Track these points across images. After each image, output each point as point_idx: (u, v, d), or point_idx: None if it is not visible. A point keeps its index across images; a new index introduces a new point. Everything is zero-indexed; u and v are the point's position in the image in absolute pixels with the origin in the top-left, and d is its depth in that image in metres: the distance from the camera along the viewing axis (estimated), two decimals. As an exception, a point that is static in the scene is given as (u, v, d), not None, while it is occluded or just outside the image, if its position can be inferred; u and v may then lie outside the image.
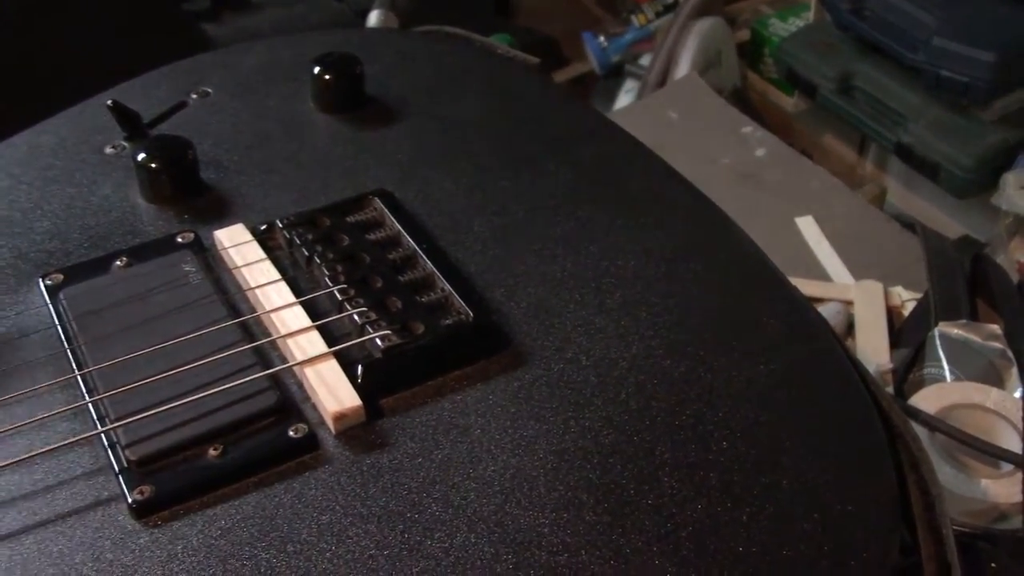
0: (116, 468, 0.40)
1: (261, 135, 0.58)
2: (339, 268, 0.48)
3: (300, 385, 0.44)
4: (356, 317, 0.46)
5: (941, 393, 0.77)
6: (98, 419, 0.42)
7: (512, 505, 0.39)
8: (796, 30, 1.25)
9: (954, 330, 0.82)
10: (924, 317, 0.87)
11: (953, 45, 1.01)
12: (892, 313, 0.90)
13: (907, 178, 1.14)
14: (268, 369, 0.44)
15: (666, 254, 0.51)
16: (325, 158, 0.57)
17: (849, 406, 0.45)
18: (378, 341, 0.44)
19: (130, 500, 0.39)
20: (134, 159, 0.53)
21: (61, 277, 0.49)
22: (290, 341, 0.45)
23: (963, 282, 0.90)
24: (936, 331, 0.82)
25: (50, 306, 0.47)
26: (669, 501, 0.40)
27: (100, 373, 0.43)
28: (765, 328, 0.47)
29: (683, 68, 1.25)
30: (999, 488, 0.71)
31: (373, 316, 0.45)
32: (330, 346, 0.44)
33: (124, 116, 0.57)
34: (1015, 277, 0.91)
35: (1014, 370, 0.79)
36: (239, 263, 0.49)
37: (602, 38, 1.35)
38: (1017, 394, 0.78)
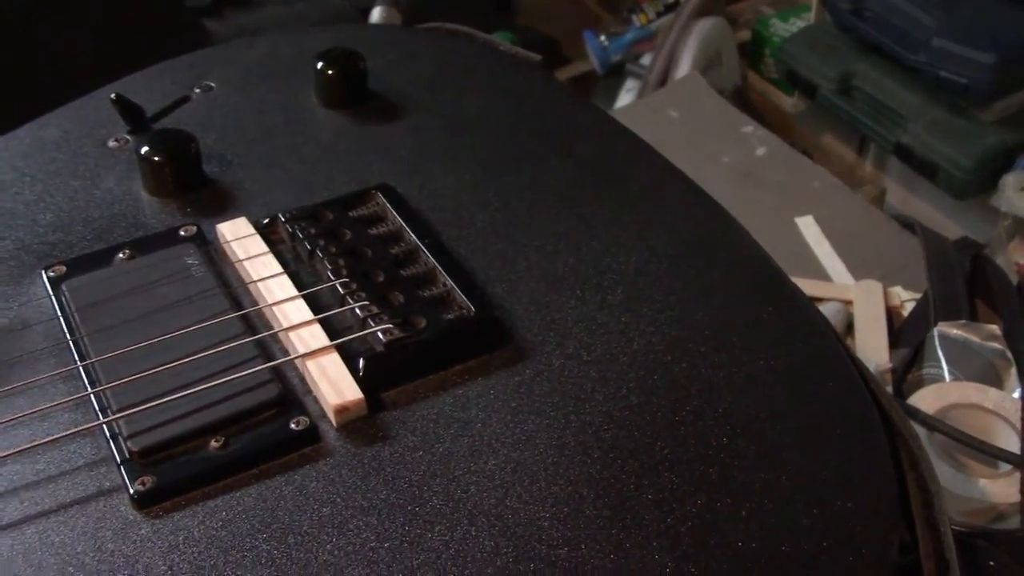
0: (118, 459, 0.40)
1: (264, 129, 0.58)
2: (341, 262, 0.48)
3: (302, 378, 0.44)
4: (358, 311, 0.46)
5: (940, 393, 0.78)
6: (100, 410, 0.42)
7: (513, 499, 0.40)
8: (797, 30, 1.25)
9: (953, 330, 0.82)
10: (923, 317, 0.87)
11: (953, 46, 1.01)
12: (891, 313, 0.90)
13: (906, 179, 1.14)
14: (270, 362, 0.44)
15: (668, 251, 0.51)
16: (328, 153, 0.57)
17: (849, 404, 0.45)
18: (380, 335, 0.44)
19: (132, 491, 0.39)
20: (137, 152, 0.54)
21: (64, 269, 0.49)
22: (292, 334, 0.45)
23: (962, 282, 0.90)
24: (935, 331, 0.82)
25: (52, 298, 0.47)
26: (669, 496, 0.40)
27: (102, 364, 0.43)
28: (766, 325, 0.48)
29: (684, 68, 1.25)
30: (997, 488, 0.71)
31: (375, 310, 0.46)
32: (332, 339, 0.44)
33: (127, 110, 0.57)
34: (1014, 279, 0.91)
35: (1013, 370, 0.80)
36: (241, 256, 0.49)
37: (603, 37, 1.36)
38: (1016, 394, 0.78)
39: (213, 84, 0.62)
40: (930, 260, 0.93)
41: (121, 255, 0.50)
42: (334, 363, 0.43)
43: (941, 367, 0.80)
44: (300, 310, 0.46)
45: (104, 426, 0.42)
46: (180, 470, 0.40)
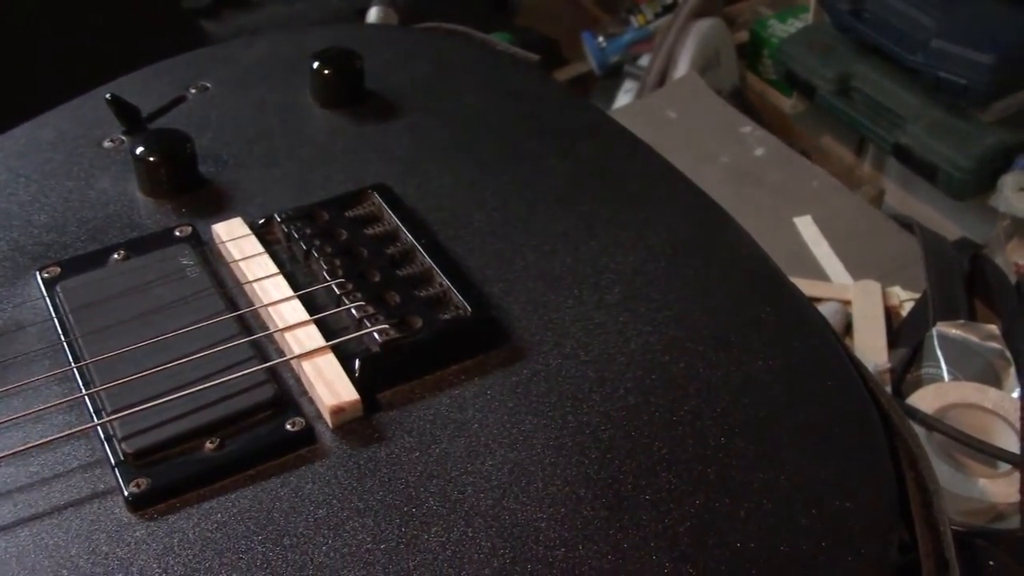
0: (112, 461, 0.40)
1: (260, 129, 0.58)
2: (337, 262, 0.48)
3: (298, 379, 0.44)
4: (354, 311, 0.45)
5: (939, 393, 0.77)
6: (94, 412, 0.42)
7: (510, 499, 0.39)
8: (795, 31, 1.25)
9: (952, 330, 0.82)
10: (922, 317, 0.87)
11: (952, 47, 1.01)
12: (890, 313, 0.90)
13: (905, 179, 1.14)
14: (266, 363, 0.44)
15: (666, 250, 0.51)
16: (324, 152, 0.57)
17: (848, 403, 0.45)
18: (376, 335, 0.44)
19: (126, 493, 0.39)
20: (132, 153, 0.53)
21: (58, 270, 0.49)
22: (288, 335, 0.44)
23: (961, 282, 0.90)
24: (934, 331, 0.82)
25: (47, 299, 0.47)
26: (667, 496, 0.40)
27: (97, 366, 0.43)
28: (764, 325, 0.47)
29: (682, 69, 1.25)
30: (997, 488, 0.71)
31: (371, 310, 0.45)
32: (328, 340, 0.44)
33: (123, 110, 0.57)
34: (1012, 279, 0.91)
35: (1012, 370, 0.79)
36: (237, 257, 0.49)
37: (601, 38, 1.35)
38: (1015, 394, 0.78)
39: (209, 84, 0.62)
40: (929, 260, 0.92)
41: (116, 256, 0.49)
42: (330, 364, 0.43)
43: (940, 367, 0.80)
44: (296, 311, 0.46)
45: (99, 428, 0.41)
46: (175, 472, 0.40)
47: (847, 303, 0.91)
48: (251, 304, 0.47)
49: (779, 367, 0.45)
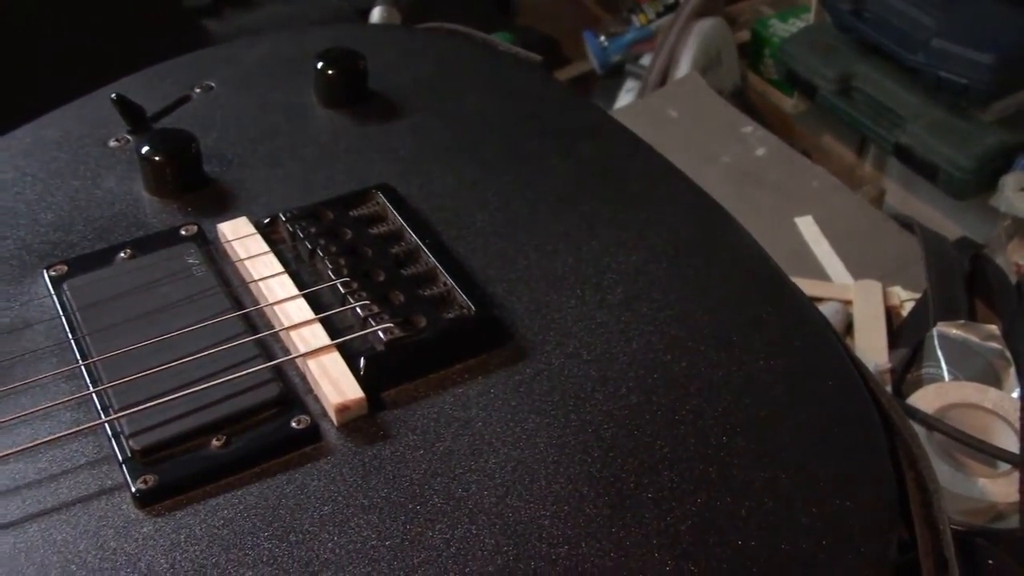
0: (120, 457, 0.41)
1: (264, 129, 0.59)
2: (342, 261, 0.48)
3: (303, 377, 0.44)
4: (359, 310, 0.46)
5: (939, 393, 0.78)
6: (102, 409, 0.42)
7: (513, 497, 0.40)
8: (796, 31, 1.25)
9: (952, 330, 0.82)
10: (923, 317, 0.87)
11: (953, 47, 1.01)
12: (891, 313, 0.90)
13: (906, 179, 1.14)
14: (271, 361, 0.44)
15: (667, 250, 0.51)
16: (328, 152, 0.57)
17: (848, 403, 0.45)
18: (380, 334, 0.45)
19: (133, 489, 0.39)
20: (138, 152, 0.54)
21: (65, 268, 0.49)
22: (293, 333, 0.45)
23: (962, 282, 0.90)
24: (934, 331, 0.83)
25: (54, 297, 0.48)
26: (669, 495, 0.40)
27: (104, 363, 0.44)
28: (765, 325, 0.48)
29: (683, 68, 1.25)
30: (996, 488, 0.71)
31: (375, 309, 0.46)
32: (333, 339, 0.45)
33: (128, 109, 0.57)
34: (1013, 279, 0.91)
35: (1012, 370, 0.80)
36: (242, 256, 0.49)
37: (602, 37, 1.36)
38: (1015, 394, 0.78)
39: (213, 84, 0.62)
40: (929, 260, 0.93)
41: (122, 254, 0.50)
42: (335, 362, 0.44)
43: (940, 367, 0.80)
44: (301, 309, 0.46)
45: (106, 425, 0.42)
46: (182, 469, 0.40)
47: (848, 303, 0.91)
48: (256, 303, 0.47)
49: (780, 367, 0.46)
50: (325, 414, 0.43)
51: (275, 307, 0.46)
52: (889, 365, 0.84)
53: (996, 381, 0.79)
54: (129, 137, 0.57)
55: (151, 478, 0.40)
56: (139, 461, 0.40)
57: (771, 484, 0.41)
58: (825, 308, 0.90)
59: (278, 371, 0.44)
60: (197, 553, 0.38)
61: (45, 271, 0.49)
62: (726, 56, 1.30)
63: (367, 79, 0.61)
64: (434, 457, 0.41)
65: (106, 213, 0.53)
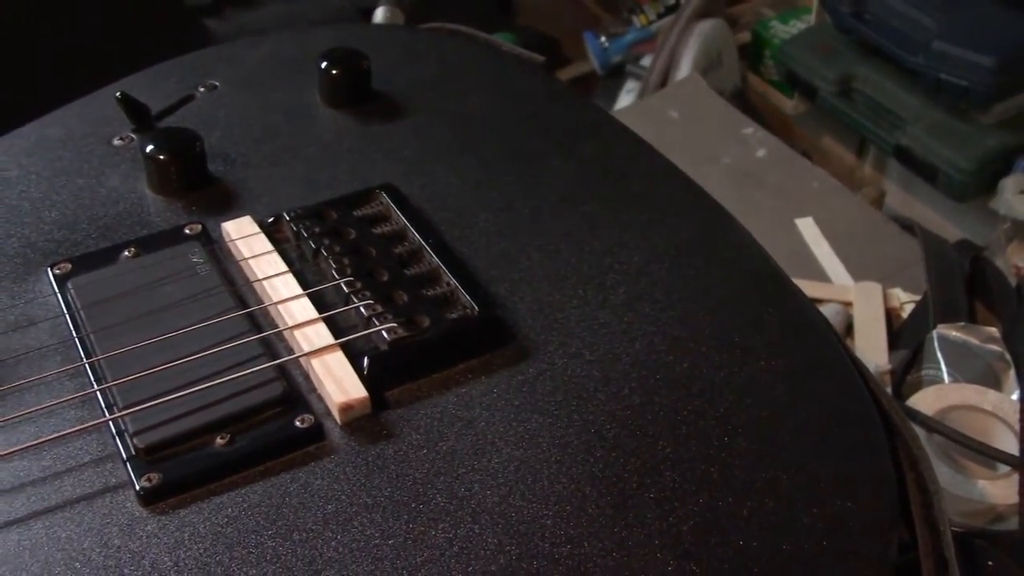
0: (124, 455, 0.41)
1: (268, 129, 0.59)
2: (346, 261, 0.48)
3: (307, 376, 0.44)
4: (362, 310, 0.46)
5: (939, 395, 0.78)
6: (106, 407, 0.42)
7: (516, 497, 0.40)
8: (797, 32, 1.26)
9: (952, 332, 0.82)
10: (923, 319, 0.87)
11: (953, 49, 1.01)
12: (891, 314, 0.90)
13: (906, 181, 1.14)
14: (275, 360, 0.44)
15: (669, 251, 0.51)
16: (332, 152, 0.57)
17: (849, 404, 0.45)
18: (384, 334, 0.45)
19: (138, 487, 0.40)
20: (142, 151, 0.54)
21: (69, 267, 0.49)
22: (297, 332, 0.45)
23: (962, 284, 0.90)
24: (934, 333, 0.83)
25: (58, 295, 0.48)
26: (671, 495, 0.40)
27: (108, 362, 0.44)
28: (766, 325, 0.48)
29: (684, 69, 1.26)
30: (996, 489, 0.71)
31: (379, 309, 0.46)
32: (336, 338, 0.45)
33: (132, 108, 0.57)
34: (1013, 281, 0.92)
35: (1011, 372, 0.80)
36: (246, 255, 0.49)
37: (603, 38, 1.36)
38: (1014, 396, 0.78)
39: (217, 83, 0.62)
40: (929, 262, 0.93)
41: (126, 253, 0.50)
42: (339, 361, 0.44)
43: (940, 369, 0.81)
44: (305, 308, 0.46)
45: (110, 423, 0.42)
46: (186, 467, 0.40)
47: (848, 304, 0.92)
48: (260, 302, 0.47)
49: (781, 367, 0.46)
50: (329, 413, 0.43)
51: (279, 306, 0.46)
52: (889, 366, 0.84)
53: (996, 383, 0.80)
54: (133, 136, 0.58)
55: (155, 476, 0.40)
56: (143, 459, 0.40)
57: (772, 484, 0.41)
58: (825, 309, 0.90)
59: (282, 370, 0.44)
60: (201, 551, 0.38)
61: (49, 269, 0.49)
62: (727, 57, 1.30)
63: (371, 79, 0.61)
64: (437, 456, 0.41)
65: (110, 211, 0.53)
